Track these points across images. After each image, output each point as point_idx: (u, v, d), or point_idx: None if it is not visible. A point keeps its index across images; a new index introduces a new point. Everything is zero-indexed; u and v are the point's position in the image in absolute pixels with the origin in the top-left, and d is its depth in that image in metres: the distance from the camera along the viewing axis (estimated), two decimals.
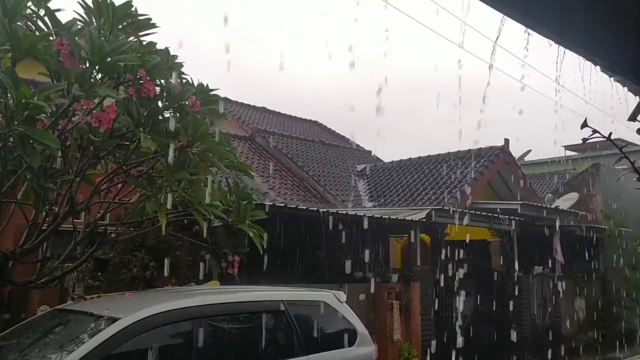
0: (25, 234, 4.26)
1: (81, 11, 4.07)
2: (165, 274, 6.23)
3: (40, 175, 3.76)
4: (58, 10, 3.93)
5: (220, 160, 4.37)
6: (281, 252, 8.73)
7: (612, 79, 1.93)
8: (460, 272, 10.36)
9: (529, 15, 1.45)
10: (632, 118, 2.42)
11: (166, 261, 5.85)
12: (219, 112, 4.54)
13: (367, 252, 10.26)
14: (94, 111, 3.72)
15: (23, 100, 3.26)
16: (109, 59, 3.59)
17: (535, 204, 13.03)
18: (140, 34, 4.28)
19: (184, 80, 4.26)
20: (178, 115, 4.09)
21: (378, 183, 15.30)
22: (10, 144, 3.57)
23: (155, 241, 6.71)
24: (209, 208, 4.45)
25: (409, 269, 10.20)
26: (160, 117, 4.09)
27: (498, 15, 1.45)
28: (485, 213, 11.15)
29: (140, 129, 3.79)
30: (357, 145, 20.06)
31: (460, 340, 9.88)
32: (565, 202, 15.25)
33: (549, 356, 11.16)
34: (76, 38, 3.63)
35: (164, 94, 4.08)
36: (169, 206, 4.19)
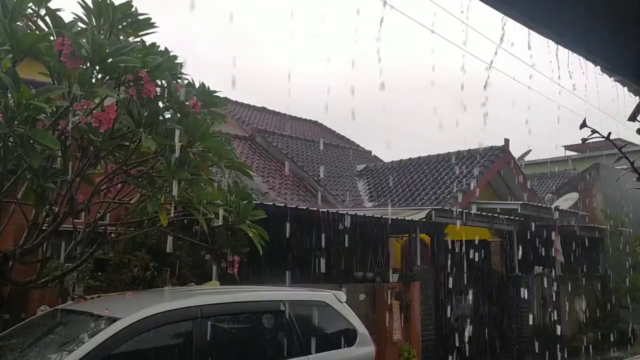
0: (25, 234, 4.26)
1: (81, 11, 4.08)
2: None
3: (40, 175, 3.76)
4: (58, 10, 3.93)
5: (220, 160, 4.37)
6: (281, 252, 8.73)
7: (612, 79, 1.93)
8: (460, 272, 10.37)
9: (529, 15, 1.45)
10: (632, 118, 2.42)
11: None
12: (220, 114, 4.55)
13: (367, 252, 10.26)
14: (94, 111, 3.72)
15: (24, 102, 3.26)
16: (110, 60, 3.59)
17: (535, 204, 13.03)
18: (140, 33, 4.28)
19: (185, 82, 4.27)
20: (179, 116, 4.09)
21: (378, 183, 15.30)
22: (10, 144, 3.57)
23: (155, 241, 6.71)
24: (210, 207, 4.45)
25: (409, 269, 10.20)
26: (161, 118, 4.09)
27: (498, 14, 1.46)
28: (485, 213, 11.15)
29: (141, 129, 3.79)
30: (357, 146, 20.08)
31: (460, 340, 9.89)
32: (565, 202, 15.24)
33: (549, 356, 11.16)
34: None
35: (165, 95, 4.08)
36: (171, 209, 4.20)
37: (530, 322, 11.66)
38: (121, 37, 4.17)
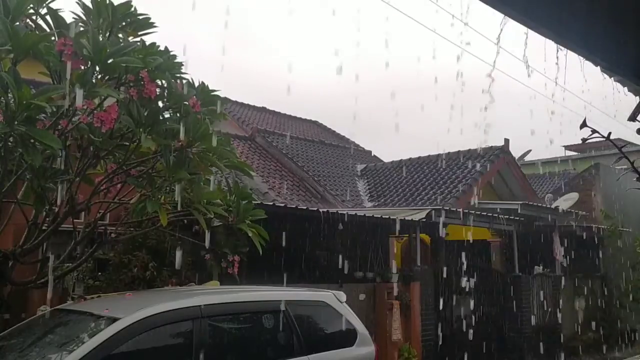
0: (25, 234, 4.26)
1: (80, 10, 4.08)
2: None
3: (40, 175, 3.76)
4: (59, 10, 3.93)
5: (219, 160, 4.37)
6: (281, 252, 8.74)
7: (612, 79, 1.93)
8: (460, 272, 10.37)
9: (529, 15, 1.45)
10: (632, 118, 2.42)
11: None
12: (219, 112, 4.55)
13: (367, 252, 10.26)
14: (95, 111, 3.72)
15: (24, 101, 3.26)
16: (111, 60, 3.60)
17: (535, 204, 13.02)
18: (140, 33, 4.28)
19: (185, 81, 4.27)
20: (179, 115, 4.09)
21: (378, 183, 15.30)
22: (10, 144, 3.57)
23: (155, 241, 6.71)
24: (209, 207, 4.45)
25: (409, 269, 10.20)
26: (160, 118, 4.09)
27: (498, 14, 1.45)
28: (485, 213, 11.15)
29: (141, 129, 3.79)
30: (357, 146, 20.08)
31: (460, 340, 9.88)
32: (565, 202, 15.23)
33: (549, 356, 11.16)
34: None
35: (165, 95, 4.08)
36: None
37: (530, 322, 11.66)
38: (120, 37, 4.17)
